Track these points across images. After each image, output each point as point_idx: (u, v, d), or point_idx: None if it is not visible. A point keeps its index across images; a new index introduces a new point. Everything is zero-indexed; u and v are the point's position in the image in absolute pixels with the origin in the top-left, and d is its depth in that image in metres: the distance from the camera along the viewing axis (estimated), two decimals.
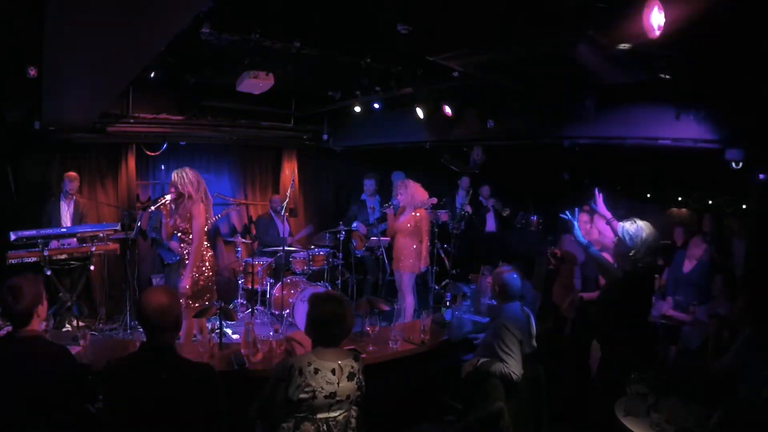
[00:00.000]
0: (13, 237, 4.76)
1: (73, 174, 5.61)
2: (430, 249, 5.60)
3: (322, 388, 2.24)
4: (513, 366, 2.99)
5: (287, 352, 3.15)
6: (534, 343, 3.17)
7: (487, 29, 3.18)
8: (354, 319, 2.45)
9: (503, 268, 3.35)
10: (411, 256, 5.40)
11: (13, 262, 4.84)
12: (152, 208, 4.30)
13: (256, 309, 6.05)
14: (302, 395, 2.21)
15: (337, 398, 2.28)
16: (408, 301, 5.41)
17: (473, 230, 7.40)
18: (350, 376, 2.33)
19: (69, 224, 5.51)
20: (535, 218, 7.22)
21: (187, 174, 4.05)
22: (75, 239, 5.40)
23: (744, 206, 6.61)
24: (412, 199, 5.39)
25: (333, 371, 2.28)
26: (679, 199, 8.49)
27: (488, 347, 3.15)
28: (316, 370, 2.25)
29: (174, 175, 4.05)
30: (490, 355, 3.10)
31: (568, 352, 4.23)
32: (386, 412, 3.05)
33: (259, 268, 5.93)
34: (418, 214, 5.40)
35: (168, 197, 4.07)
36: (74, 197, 5.64)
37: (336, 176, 8.41)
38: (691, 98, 3.93)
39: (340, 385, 2.29)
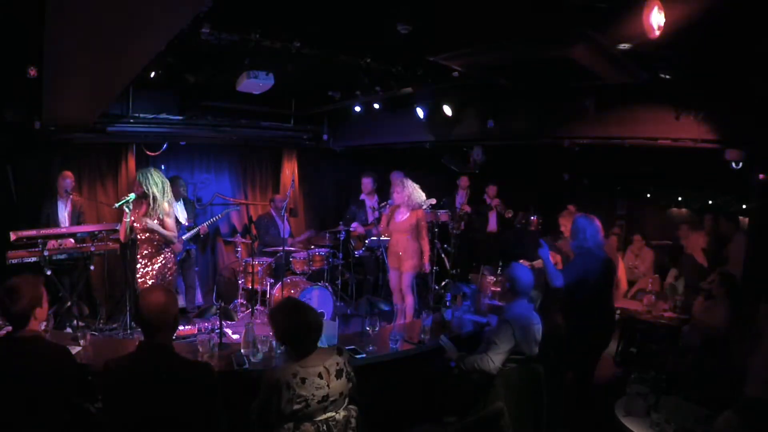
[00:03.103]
0: (13, 237, 4.76)
1: (68, 173, 5.60)
2: (430, 248, 5.59)
3: (314, 395, 2.21)
4: (493, 356, 2.94)
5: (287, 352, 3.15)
6: (536, 348, 3.11)
7: (487, 29, 3.18)
8: (319, 318, 2.37)
9: (516, 263, 3.33)
10: (413, 256, 5.36)
11: (13, 262, 4.84)
12: (116, 205, 4.45)
13: (256, 309, 6.04)
14: (295, 407, 2.18)
15: (331, 399, 2.27)
16: (408, 301, 5.38)
17: (473, 230, 7.41)
18: (338, 374, 2.30)
19: (66, 224, 5.51)
20: (534, 218, 7.23)
21: (151, 175, 4.28)
22: (75, 239, 5.40)
23: (744, 206, 6.61)
24: (409, 199, 5.35)
25: (320, 375, 2.25)
26: (679, 199, 8.50)
27: (487, 342, 3.15)
28: (303, 380, 2.20)
29: (139, 176, 4.30)
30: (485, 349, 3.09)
31: (568, 351, 4.23)
32: (386, 412, 3.05)
33: (259, 268, 5.93)
34: (417, 215, 5.36)
35: (132, 196, 4.26)
36: (71, 196, 5.64)
37: (336, 176, 8.41)
38: (691, 98, 3.93)
39: (331, 386, 2.26)
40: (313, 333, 2.33)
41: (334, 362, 2.32)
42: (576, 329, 3.76)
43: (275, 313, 2.40)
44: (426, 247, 5.42)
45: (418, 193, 5.39)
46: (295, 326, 2.31)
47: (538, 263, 4.12)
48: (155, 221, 4.26)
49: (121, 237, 4.38)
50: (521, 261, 3.91)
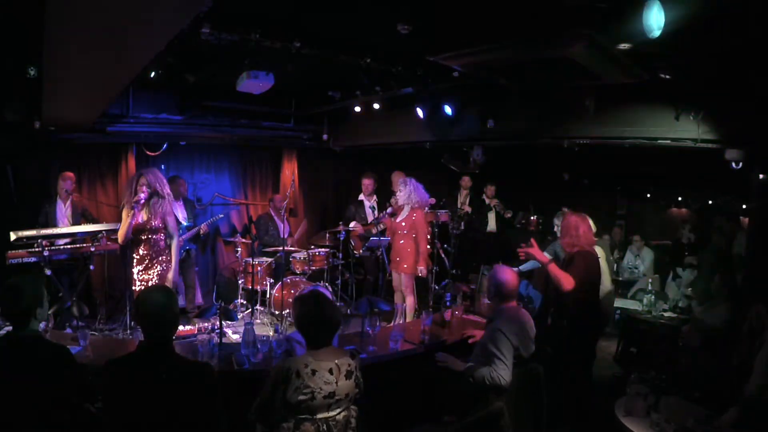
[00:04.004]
0: (13, 237, 4.76)
1: (68, 174, 5.60)
2: (429, 251, 5.55)
3: (321, 389, 2.24)
4: (502, 370, 2.90)
5: (287, 352, 3.16)
6: (532, 347, 3.11)
7: (487, 29, 3.18)
8: (338, 315, 2.42)
9: (498, 266, 3.27)
10: (410, 257, 5.35)
11: (13, 262, 4.83)
12: (133, 207, 4.32)
13: (256, 309, 6.05)
14: (301, 397, 2.21)
15: (336, 397, 2.28)
16: (409, 302, 5.38)
17: (473, 230, 7.41)
18: (348, 375, 2.33)
19: (66, 224, 5.51)
20: (534, 218, 7.23)
21: (158, 175, 4.32)
22: (75, 239, 5.41)
23: (744, 206, 6.62)
24: (409, 198, 5.35)
25: (330, 371, 2.28)
26: (679, 199, 8.51)
27: (483, 349, 3.13)
28: (314, 372, 2.25)
29: (149, 176, 4.27)
30: (485, 356, 3.08)
31: (568, 351, 4.24)
32: (386, 412, 3.05)
33: (259, 268, 5.93)
34: (414, 215, 5.37)
35: (142, 196, 4.21)
36: (71, 197, 5.63)
37: (336, 176, 8.41)
38: (691, 98, 3.93)
39: (339, 384, 2.29)
40: (327, 327, 2.38)
41: (346, 362, 2.35)
42: (573, 328, 3.77)
43: (297, 300, 2.48)
44: (422, 249, 5.36)
45: (419, 192, 5.39)
46: (310, 316, 2.37)
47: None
48: (158, 221, 4.25)
49: (121, 239, 4.31)
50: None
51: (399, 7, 3.07)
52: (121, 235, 4.31)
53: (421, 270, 5.39)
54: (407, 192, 5.35)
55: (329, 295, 5.71)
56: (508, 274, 3.15)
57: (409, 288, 5.41)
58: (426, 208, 5.60)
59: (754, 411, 2.57)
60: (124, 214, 4.29)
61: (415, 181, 5.44)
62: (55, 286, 5.09)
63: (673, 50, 2.98)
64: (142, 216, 4.29)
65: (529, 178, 8.10)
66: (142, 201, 4.21)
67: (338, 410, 2.32)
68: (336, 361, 2.32)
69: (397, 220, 5.46)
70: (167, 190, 4.34)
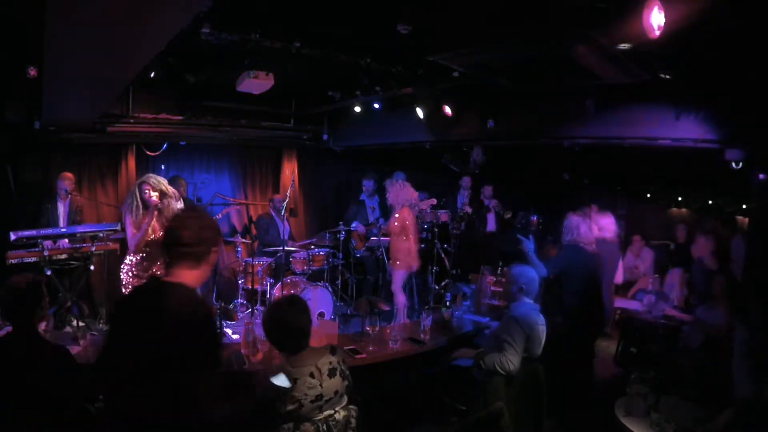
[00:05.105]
0: (13, 237, 4.75)
1: (67, 174, 5.59)
2: (418, 247, 5.61)
3: (306, 395, 2.20)
4: (512, 356, 2.94)
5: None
6: (539, 349, 3.12)
7: (488, 29, 3.18)
8: (301, 319, 2.30)
9: (523, 266, 3.36)
10: (399, 255, 5.43)
11: (13, 262, 4.83)
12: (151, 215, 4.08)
13: (256, 309, 6.04)
14: (289, 407, 2.18)
15: (325, 398, 2.26)
16: (399, 300, 5.41)
17: (473, 230, 7.40)
18: (331, 372, 2.30)
19: (65, 224, 5.51)
20: (535, 218, 7.23)
21: (157, 176, 4.10)
22: (73, 239, 5.40)
23: (744, 206, 6.62)
24: (396, 198, 5.45)
25: (312, 375, 2.24)
26: (679, 199, 8.51)
27: (495, 338, 3.15)
28: (295, 380, 2.20)
29: (151, 179, 4.01)
30: (497, 344, 3.09)
31: (569, 351, 4.24)
32: (386, 412, 3.05)
33: (259, 268, 5.93)
34: (398, 215, 5.44)
35: (155, 200, 3.96)
36: (70, 197, 5.63)
37: (336, 176, 8.41)
38: (691, 98, 3.94)
39: (324, 385, 2.25)
40: (290, 332, 2.29)
41: (327, 361, 2.31)
42: (572, 328, 3.78)
43: (266, 308, 2.43)
44: (412, 246, 5.43)
45: (406, 192, 5.45)
46: (271, 321, 2.32)
47: None
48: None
49: (139, 248, 4.02)
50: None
51: (399, 7, 3.07)
52: (135, 245, 4.01)
53: (414, 266, 5.49)
54: (394, 192, 5.47)
55: (328, 296, 5.74)
56: (533, 273, 3.25)
57: (399, 285, 5.46)
58: (415, 207, 5.65)
59: (753, 411, 2.57)
60: (129, 223, 3.98)
61: (401, 181, 5.53)
62: (55, 286, 5.09)
63: (673, 50, 2.97)
64: (154, 225, 4.00)
65: (529, 178, 8.09)
66: (159, 203, 3.96)
67: (334, 408, 2.31)
68: (316, 363, 2.27)
69: (389, 222, 5.54)
70: (171, 188, 4.16)
